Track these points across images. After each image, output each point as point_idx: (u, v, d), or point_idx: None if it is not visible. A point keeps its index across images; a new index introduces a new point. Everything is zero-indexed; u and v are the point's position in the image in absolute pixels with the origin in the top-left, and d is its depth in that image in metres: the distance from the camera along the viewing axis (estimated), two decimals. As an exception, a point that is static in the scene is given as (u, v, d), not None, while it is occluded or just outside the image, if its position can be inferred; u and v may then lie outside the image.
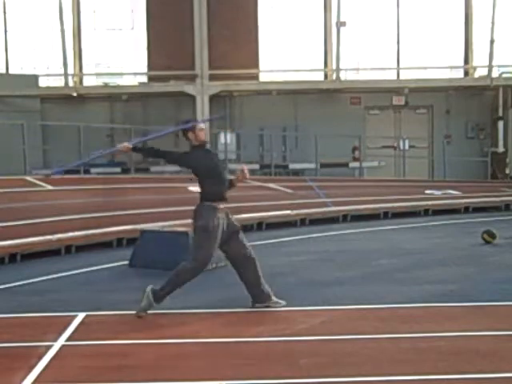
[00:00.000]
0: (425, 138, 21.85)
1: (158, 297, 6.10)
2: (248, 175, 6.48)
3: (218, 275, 7.92)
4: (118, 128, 20.46)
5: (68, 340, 5.45)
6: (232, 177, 6.62)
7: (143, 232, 9.22)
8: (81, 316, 6.14)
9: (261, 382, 4.54)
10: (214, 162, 6.32)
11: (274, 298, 6.41)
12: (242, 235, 6.42)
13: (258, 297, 6.37)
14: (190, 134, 6.30)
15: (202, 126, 6.37)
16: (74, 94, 20.83)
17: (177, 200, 12.76)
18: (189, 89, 20.18)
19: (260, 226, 12.76)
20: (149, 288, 6.12)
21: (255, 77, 21.44)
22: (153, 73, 21.23)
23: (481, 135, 21.75)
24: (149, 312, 6.13)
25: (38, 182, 13.90)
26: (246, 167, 6.44)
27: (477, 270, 8.34)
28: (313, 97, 21.26)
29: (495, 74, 21.07)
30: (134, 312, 6.11)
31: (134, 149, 6.34)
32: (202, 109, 19.94)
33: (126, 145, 6.32)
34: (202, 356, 5.05)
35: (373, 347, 5.18)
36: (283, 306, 6.39)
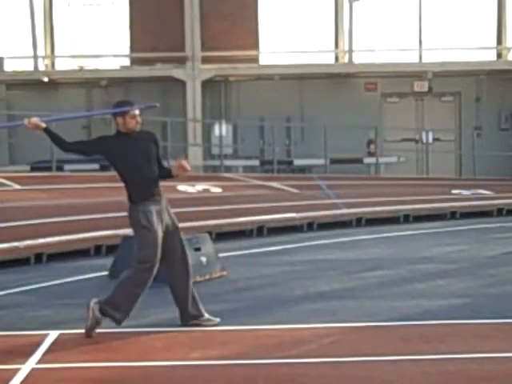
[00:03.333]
0: (451, 130, 21.87)
1: (117, 318, 6.13)
2: (188, 167, 6.39)
3: (211, 287, 7.94)
4: (95, 118, 20.48)
5: (39, 363, 5.44)
6: (172, 165, 6.54)
7: (125, 238, 9.21)
8: (53, 335, 6.13)
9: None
10: (134, 151, 6.19)
11: (206, 316, 6.39)
12: (180, 236, 6.38)
13: (186, 314, 6.34)
14: (119, 119, 6.23)
15: (136, 112, 6.27)
16: (45, 80, 20.84)
17: (164, 201, 12.75)
18: (178, 73, 20.19)
19: (260, 231, 12.77)
20: (92, 302, 6.12)
21: (255, 59, 21.45)
22: (136, 55, 21.24)
23: (516, 126, 21.81)
24: (137, 329, 6.16)
25: (3, 180, 13.90)
26: (184, 161, 6.37)
27: (509, 283, 8.34)
28: (321, 82, 21.27)
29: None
30: (111, 330, 6.13)
31: (46, 129, 6.18)
32: (194, 96, 19.96)
33: (35, 121, 6.14)
34: (199, 380, 5.05)
35: (392, 371, 5.17)
36: (216, 325, 6.33)
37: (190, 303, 6.34)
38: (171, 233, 6.30)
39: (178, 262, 6.33)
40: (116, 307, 6.13)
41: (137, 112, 6.27)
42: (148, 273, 6.15)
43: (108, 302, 6.14)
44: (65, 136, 6.21)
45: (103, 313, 6.09)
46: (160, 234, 6.19)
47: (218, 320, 6.42)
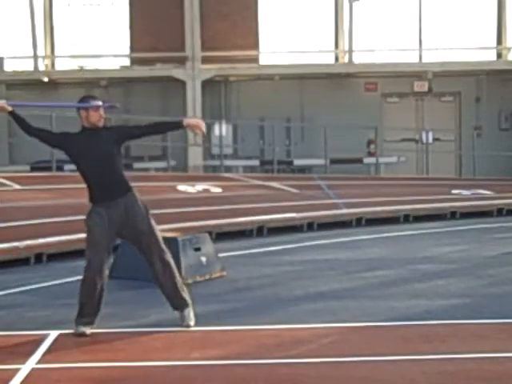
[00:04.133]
0: (451, 130, 21.88)
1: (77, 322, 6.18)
2: (204, 129, 6.28)
3: (211, 287, 7.94)
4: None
5: (39, 363, 5.44)
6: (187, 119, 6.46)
7: (125, 238, 9.21)
8: (54, 335, 6.13)
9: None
10: (93, 149, 6.14)
11: (187, 312, 6.37)
12: (150, 239, 6.25)
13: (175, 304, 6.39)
14: (82, 112, 6.23)
15: (98, 103, 6.25)
16: (45, 79, 20.84)
17: (163, 201, 12.75)
18: (178, 73, 20.19)
19: (260, 231, 12.76)
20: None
21: (255, 59, 21.46)
22: (136, 55, 21.24)
23: (516, 126, 21.82)
24: (137, 329, 6.18)
25: (3, 180, 13.90)
26: (202, 122, 6.30)
27: (509, 283, 8.34)
28: (321, 82, 21.28)
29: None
30: (111, 330, 6.14)
31: (12, 113, 6.22)
32: (194, 96, 19.96)
33: (1, 104, 6.22)
34: (199, 380, 5.05)
35: (392, 371, 5.17)
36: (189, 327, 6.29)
37: (178, 299, 6.32)
38: (140, 234, 6.23)
39: (158, 263, 6.28)
40: (79, 313, 6.23)
41: (99, 103, 6.24)
42: (87, 272, 6.17)
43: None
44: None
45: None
46: (105, 234, 6.12)
47: (192, 324, 6.33)
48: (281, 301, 7.45)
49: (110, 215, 6.15)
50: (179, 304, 6.34)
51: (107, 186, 6.17)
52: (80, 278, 8.86)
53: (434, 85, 21.47)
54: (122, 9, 21.68)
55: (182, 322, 6.32)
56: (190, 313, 6.35)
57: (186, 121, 6.31)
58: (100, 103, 6.28)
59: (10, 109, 6.22)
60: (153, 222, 6.31)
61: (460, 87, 21.65)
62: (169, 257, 6.35)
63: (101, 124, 6.26)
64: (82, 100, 6.32)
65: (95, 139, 6.20)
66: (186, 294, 6.37)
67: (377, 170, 20.00)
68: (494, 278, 8.66)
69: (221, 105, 21.55)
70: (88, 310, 6.19)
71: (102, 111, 6.26)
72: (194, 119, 6.22)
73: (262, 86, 21.29)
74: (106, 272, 6.26)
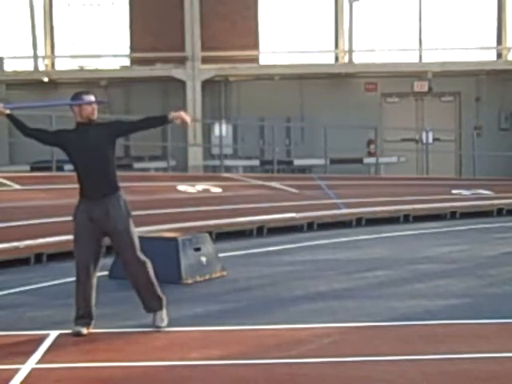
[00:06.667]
0: (451, 130, 21.88)
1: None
2: (188, 120, 6.36)
3: (211, 287, 7.93)
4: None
5: (38, 362, 5.44)
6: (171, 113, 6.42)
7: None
8: (53, 335, 6.13)
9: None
10: (86, 145, 6.17)
11: (160, 315, 6.38)
12: (126, 240, 6.24)
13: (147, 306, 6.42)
14: (75, 107, 6.25)
15: (91, 98, 6.27)
16: (45, 79, 20.84)
17: (163, 201, 12.76)
18: (178, 73, 20.19)
19: (260, 231, 12.76)
20: None
21: (255, 59, 21.46)
22: (136, 55, 21.24)
23: (516, 126, 21.81)
24: (137, 329, 6.18)
25: (3, 180, 13.90)
26: (184, 114, 6.35)
27: (509, 283, 8.33)
28: (321, 82, 21.28)
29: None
30: (111, 330, 6.13)
31: (10, 116, 6.23)
32: (194, 96, 19.96)
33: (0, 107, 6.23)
34: (199, 380, 5.05)
35: (392, 371, 5.17)
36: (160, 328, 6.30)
37: (155, 300, 6.32)
38: (115, 233, 6.23)
39: (133, 264, 6.28)
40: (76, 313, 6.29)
41: (92, 98, 6.27)
42: (76, 270, 6.24)
43: None
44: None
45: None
46: (88, 231, 6.18)
47: (163, 325, 6.31)
48: (281, 301, 7.45)
49: (93, 212, 6.21)
50: (154, 305, 6.32)
51: (96, 183, 6.24)
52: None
53: (434, 85, 21.47)
54: (122, 9, 21.68)
55: (154, 323, 6.30)
56: (163, 313, 6.34)
57: (172, 114, 6.35)
58: (93, 98, 6.30)
59: (7, 112, 6.24)
60: (131, 225, 6.29)
61: (460, 87, 21.65)
62: (144, 257, 6.34)
63: (94, 117, 6.29)
64: (75, 96, 6.33)
65: (88, 134, 6.22)
66: (162, 294, 6.36)
67: (377, 170, 20.00)
68: (494, 277, 8.66)
69: (221, 105, 21.55)
70: (82, 310, 6.21)
71: (94, 104, 6.29)
72: (178, 112, 6.30)
73: (261, 86, 21.28)
74: (94, 270, 6.26)
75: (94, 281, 6.29)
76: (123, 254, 6.32)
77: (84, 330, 6.11)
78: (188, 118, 6.38)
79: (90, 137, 6.21)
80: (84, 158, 6.21)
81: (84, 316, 6.19)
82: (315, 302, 7.37)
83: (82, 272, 6.21)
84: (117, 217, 6.21)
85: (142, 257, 6.32)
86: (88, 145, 6.19)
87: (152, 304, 6.33)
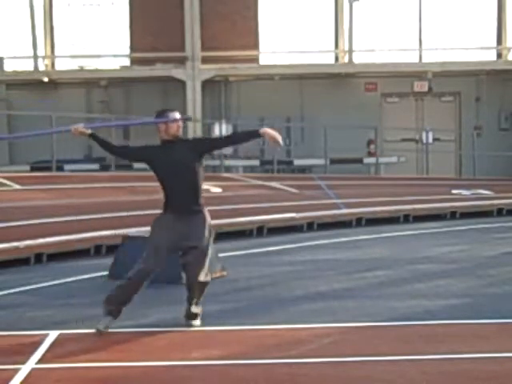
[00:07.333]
0: (451, 130, 21.88)
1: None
2: (281, 142, 6.19)
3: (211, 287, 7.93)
4: (95, 118, 20.46)
5: (39, 362, 5.44)
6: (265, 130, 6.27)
7: (125, 238, 9.21)
8: (53, 334, 6.13)
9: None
10: (173, 160, 6.16)
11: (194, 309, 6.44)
12: (200, 260, 6.26)
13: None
14: (161, 125, 6.26)
15: (176, 116, 6.28)
16: (45, 79, 20.85)
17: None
18: (178, 73, 20.20)
19: (260, 231, 12.76)
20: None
21: (255, 59, 21.46)
22: (136, 55, 21.25)
23: (516, 126, 21.82)
24: (138, 329, 6.19)
25: (3, 180, 13.91)
26: (277, 134, 6.20)
27: (509, 283, 8.34)
28: (321, 82, 21.28)
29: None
30: (111, 330, 6.14)
31: (92, 135, 6.30)
32: (194, 96, 19.97)
33: (81, 128, 6.30)
34: (199, 380, 5.05)
35: (392, 371, 5.17)
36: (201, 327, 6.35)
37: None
38: (191, 251, 6.23)
39: (194, 282, 6.30)
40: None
41: (177, 116, 6.27)
42: (140, 272, 6.11)
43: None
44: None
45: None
46: (163, 241, 6.12)
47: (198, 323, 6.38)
48: (281, 301, 7.45)
49: (175, 226, 6.16)
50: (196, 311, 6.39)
51: (183, 197, 6.20)
52: (79, 278, 8.92)
53: (434, 85, 21.47)
54: (121, 9, 21.68)
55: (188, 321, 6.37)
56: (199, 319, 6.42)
57: (263, 129, 6.27)
58: (178, 116, 6.30)
59: (89, 132, 6.30)
60: (210, 247, 6.35)
61: (460, 87, 21.66)
62: (209, 278, 6.41)
63: (180, 133, 6.30)
64: (159, 114, 6.34)
65: (176, 151, 6.21)
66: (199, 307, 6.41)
67: (377, 170, 20.01)
68: (494, 277, 8.66)
69: (221, 105, 21.55)
70: (121, 307, 6.19)
71: (180, 122, 6.31)
72: (272, 130, 6.21)
73: (261, 86, 21.29)
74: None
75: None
76: (190, 271, 6.30)
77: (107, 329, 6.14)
78: (280, 138, 6.22)
79: (176, 152, 6.20)
80: (171, 172, 6.19)
81: (120, 313, 6.20)
82: (315, 302, 7.38)
83: (146, 277, 6.14)
84: (198, 236, 6.24)
85: (207, 278, 6.36)
86: (175, 160, 6.18)
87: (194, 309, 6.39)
